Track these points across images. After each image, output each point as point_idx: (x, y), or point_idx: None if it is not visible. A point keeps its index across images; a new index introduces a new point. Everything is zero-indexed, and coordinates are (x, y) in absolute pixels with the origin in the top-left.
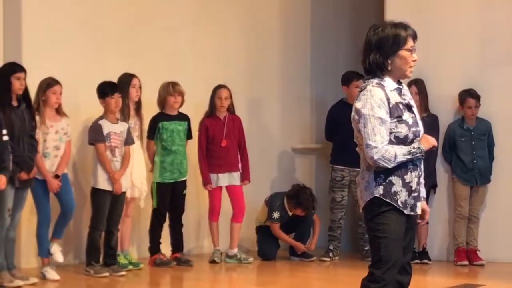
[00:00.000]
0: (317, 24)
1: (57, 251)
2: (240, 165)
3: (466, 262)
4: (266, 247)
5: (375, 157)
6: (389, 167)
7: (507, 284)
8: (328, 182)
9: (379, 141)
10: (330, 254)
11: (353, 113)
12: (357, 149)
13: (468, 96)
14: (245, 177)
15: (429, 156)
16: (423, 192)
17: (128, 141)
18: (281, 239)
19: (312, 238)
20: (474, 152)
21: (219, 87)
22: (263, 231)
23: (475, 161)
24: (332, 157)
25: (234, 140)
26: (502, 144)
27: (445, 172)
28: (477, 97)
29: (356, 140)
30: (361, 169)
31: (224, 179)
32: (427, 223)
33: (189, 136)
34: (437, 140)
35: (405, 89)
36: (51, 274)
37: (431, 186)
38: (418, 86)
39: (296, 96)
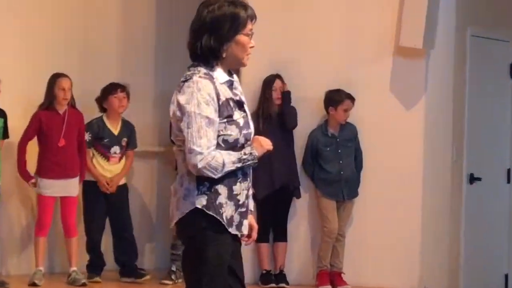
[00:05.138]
0: (163, 10)
1: None
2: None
3: (330, 287)
4: None
5: (200, 165)
6: (215, 177)
7: None
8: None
9: (205, 146)
10: (173, 276)
11: (173, 107)
12: (174, 149)
13: (346, 97)
14: (81, 178)
15: (285, 153)
16: (251, 205)
17: None
18: None
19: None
20: (340, 161)
21: (59, 75)
22: None
23: (342, 172)
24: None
25: (73, 139)
26: (369, 151)
27: (306, 185)
28: (353, 99)
29: (175, 139)
30: (179, 174)
31: (59, 188)
32: (284, 240)
33: (5, 135)
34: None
35: (237, 82)
36: None
37: (293, 188)
38: (282, 80)
39: (137, 90)
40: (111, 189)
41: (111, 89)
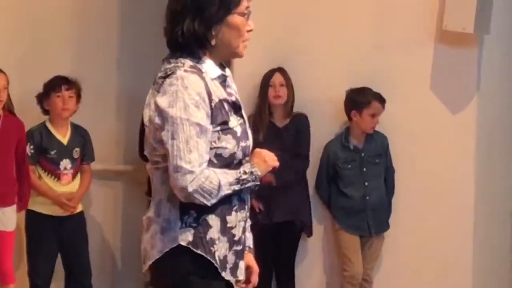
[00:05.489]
0: None
1: None
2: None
3: None
4: None
5: (190, 188)
6: (208, 204)
7: None
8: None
9: (197, 163)
10: None
11: (149, 112)
12: (148, 167)
13: (374, 98)
14: (23, 206)
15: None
16: (249, 241)
17: None
18: None
19: None
20: (366, 183)
21: None
22: None
23: (367, 198)
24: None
25: (10, 156)
26: (403, 169)
27: (321, 214)
28: (383, 101)
29: (150, 154)
30: (155, 200)
31: None
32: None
33: None
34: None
35: (230, 78)
36: None
37: (301, 227)
38: (285, 75)
39: (95, 89)
40: (74, 205)
41: (54, 84)
